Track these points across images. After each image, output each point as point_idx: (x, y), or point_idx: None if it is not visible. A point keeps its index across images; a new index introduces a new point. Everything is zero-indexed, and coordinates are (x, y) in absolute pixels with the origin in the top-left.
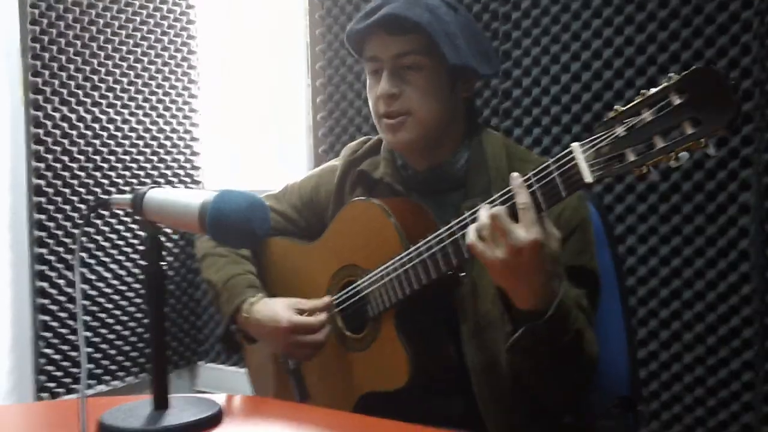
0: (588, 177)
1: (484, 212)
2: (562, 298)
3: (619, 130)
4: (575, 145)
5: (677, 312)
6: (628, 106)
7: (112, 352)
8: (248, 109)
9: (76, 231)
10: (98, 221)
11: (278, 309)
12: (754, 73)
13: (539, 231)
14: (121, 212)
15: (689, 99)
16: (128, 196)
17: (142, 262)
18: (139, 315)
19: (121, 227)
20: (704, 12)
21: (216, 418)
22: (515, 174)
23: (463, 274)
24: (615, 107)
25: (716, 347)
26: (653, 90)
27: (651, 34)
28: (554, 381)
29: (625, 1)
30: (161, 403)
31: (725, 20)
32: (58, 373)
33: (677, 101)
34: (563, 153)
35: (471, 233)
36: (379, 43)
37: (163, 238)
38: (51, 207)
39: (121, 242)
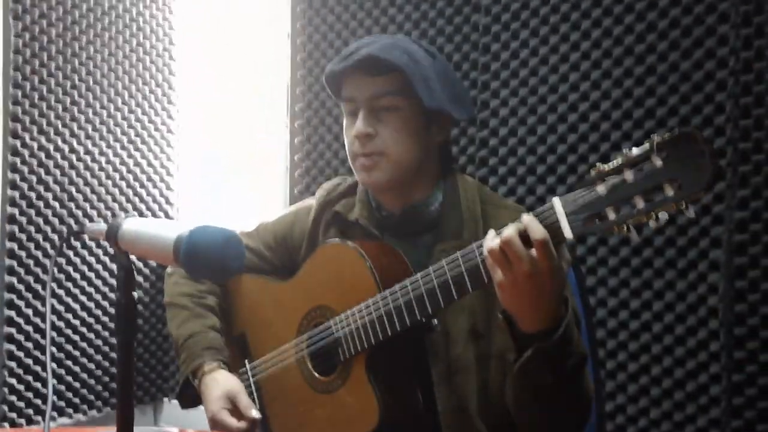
0: (568, 233)
1: (492, 239)
2: (569, 319)
3: (601, 189)
4: (556, 200)
5: (646, 366)
6: (611, 165)
7: (77, 384)
8: (226, 147)
9: (47, 261)
10: (69, 252)
11: (213, 396)
12: (727, 132)
13: (553, 255)
14: (93, 243)
15: (671, 161)
16: (103, 225)
17: (112, 295)
18: (105, 348)
19: (92, 259)
20: (680, 70)
21: None
22: (525, 216)
23: (435, 321)
24: (597, 164)
25: (684, 403)
26: (635, 150)
27: (627, 90)
28: (554, 414)
29: (603, 55)
30: None
31: (700, 79)
32: (21, 404)
33: (658, 163)
34: (544, 207)
35: (487, 254)
36: (357, 84)
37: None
38: (23, 236)
39: (91, 274)
